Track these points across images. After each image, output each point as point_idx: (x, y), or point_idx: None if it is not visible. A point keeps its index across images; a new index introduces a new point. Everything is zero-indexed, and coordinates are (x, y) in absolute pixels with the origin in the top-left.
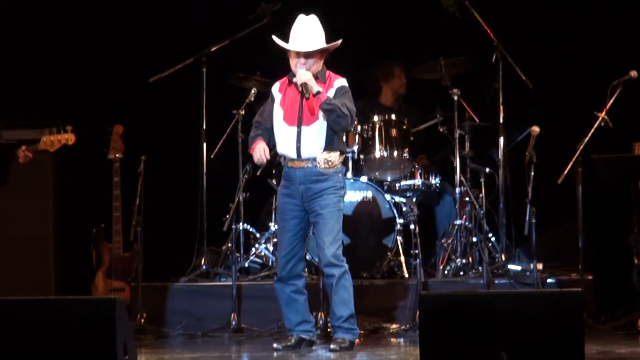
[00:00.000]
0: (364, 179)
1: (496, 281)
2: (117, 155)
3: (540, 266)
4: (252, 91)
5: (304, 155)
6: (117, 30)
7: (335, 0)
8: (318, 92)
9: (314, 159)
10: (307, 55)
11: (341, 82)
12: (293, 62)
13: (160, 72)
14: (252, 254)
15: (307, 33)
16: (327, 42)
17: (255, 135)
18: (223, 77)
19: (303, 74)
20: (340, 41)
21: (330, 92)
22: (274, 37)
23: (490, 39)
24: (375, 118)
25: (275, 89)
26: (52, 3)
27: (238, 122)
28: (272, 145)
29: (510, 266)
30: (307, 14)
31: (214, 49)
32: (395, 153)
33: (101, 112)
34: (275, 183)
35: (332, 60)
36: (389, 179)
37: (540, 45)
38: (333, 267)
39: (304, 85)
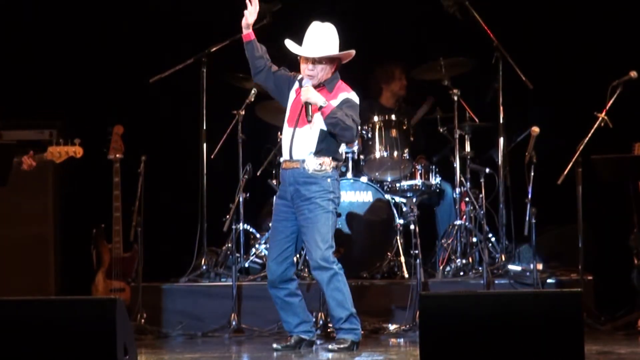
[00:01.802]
0: (364, 179)
1: (496, 281)
2: (117, 155)
3: (540, 266)
4: (252, 91)
5: (294, 156)
6: (117, 31)
7: (336, 1)
8: (321, 107)
9: (303, 161)
10: (316, 61)
11: (346, 95)
12: (302, 67)
13: (160, 72)
14: (252, 254)
15: (318, 39)
16: (341, 51)
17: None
18: (223, 78)
19: (304, 92)
20: (353, 52)
21: (334, 102)
22: (287, 41)
23: (490, 40)
24: (375, 118)
25: (295, 87)
26: (52, 3)
27: (238, 123)
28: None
29: (510, 266)
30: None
31: (214, 49)
32: (396, 153)
33: (101, 112)
34: (275, 184)
35: None
36: (389, 179)
37: (540, 45)
38: (321, 270)
39: (307, 104)
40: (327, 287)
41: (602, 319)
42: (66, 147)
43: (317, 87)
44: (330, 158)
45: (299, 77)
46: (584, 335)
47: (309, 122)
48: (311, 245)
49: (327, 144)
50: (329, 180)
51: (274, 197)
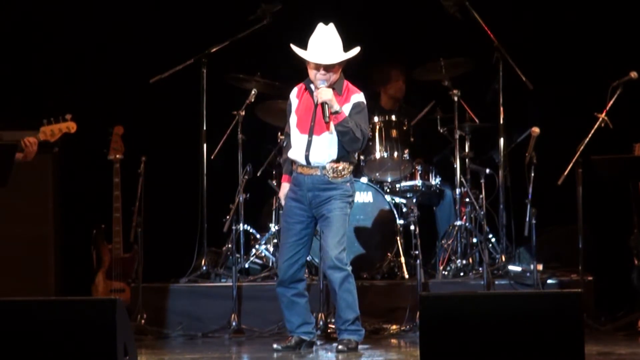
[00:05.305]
0: (364, 180)
1: (496, 282)
2: (118, 156)
3: (540, 267)
4: (253, 92)
5: (312, 163)
6: (118, 31)
7: (335, 1)
8: (336, 112)
9: (323, 167)
10: (328, 67)
11: (358, 97)
12: (312, 72)
13: (160, 72)
14: (252, 255)
15: (327, 44)
16: (345, 50)
17: (283, 160)
18: (223, 78)
19: (324, 92)
20: (358, 49)
21: (347, 106)
22: (293, 47)
23: (490, 40)
24: (376, 119)
25: (293, 94)
26: (53, 3)
27: (238, 123)
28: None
29: (511, 267)
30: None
31: (214, 49)
32: (396, 154)
33: (101, 113)
34: (275, 184)
35: None
36: (389, 179)
37: (540, 46)
38: (336, 269)
39: (324, 104)
40: (340, 287)
41: (602, 319)
42: (59, 125)
43: None
44: (348, 163)
45: (295, 89)
46: (584, 336)
47: (327, 123)
48: (328, 246)
49: (345, 150)
50: (348, 184)
51: (277, 196)
